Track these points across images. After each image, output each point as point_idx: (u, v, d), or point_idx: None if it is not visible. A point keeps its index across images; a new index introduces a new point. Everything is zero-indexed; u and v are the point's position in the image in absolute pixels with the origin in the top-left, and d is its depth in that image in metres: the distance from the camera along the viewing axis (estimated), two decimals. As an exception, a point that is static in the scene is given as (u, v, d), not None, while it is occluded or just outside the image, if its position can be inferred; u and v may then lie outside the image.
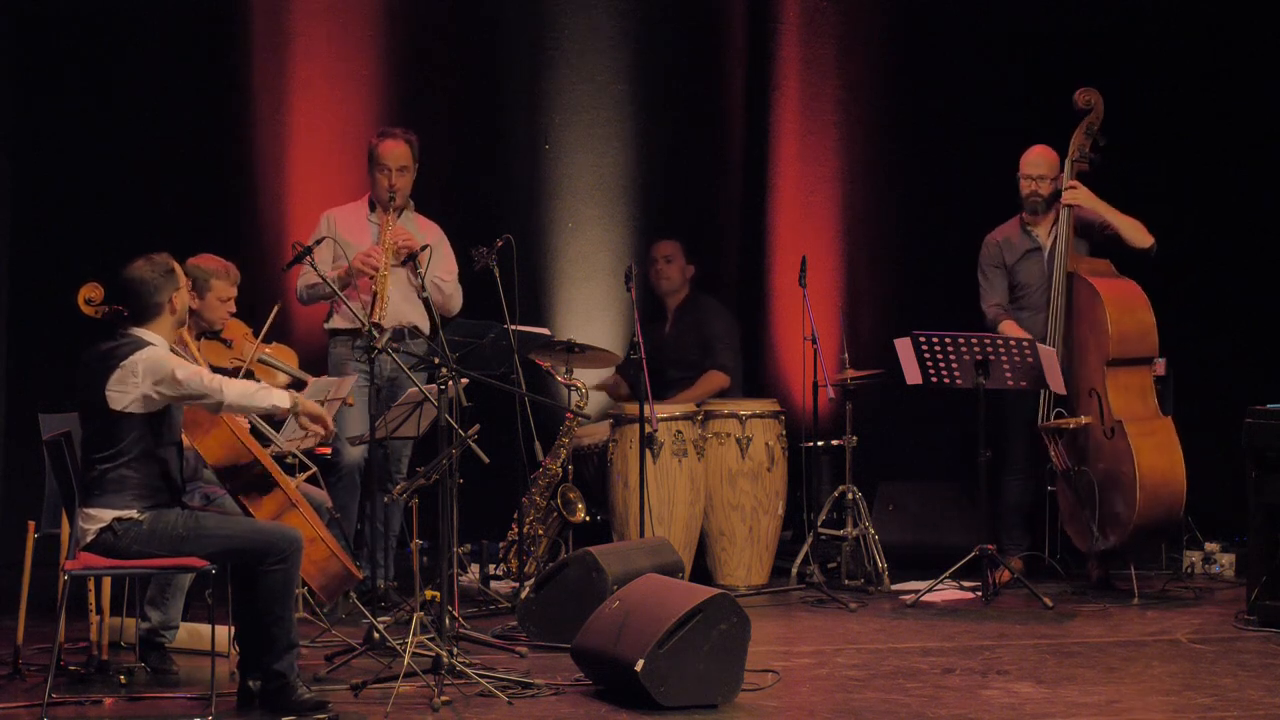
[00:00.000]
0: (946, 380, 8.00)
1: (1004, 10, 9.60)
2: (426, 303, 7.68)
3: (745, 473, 8.41)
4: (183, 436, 6.08)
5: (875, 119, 9.83)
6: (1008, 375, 7.92)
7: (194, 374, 5.85)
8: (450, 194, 9.36)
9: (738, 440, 8.41)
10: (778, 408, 8.61)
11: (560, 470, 8.24)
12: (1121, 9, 9.49)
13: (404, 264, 7.84)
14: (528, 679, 6.26)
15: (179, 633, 6.73)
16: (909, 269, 9.75)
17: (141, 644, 6.64)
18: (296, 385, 7.32)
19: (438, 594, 6.52)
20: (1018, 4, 9.58)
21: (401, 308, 7.87)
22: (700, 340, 8.94)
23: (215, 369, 7.07)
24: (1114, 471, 7.99)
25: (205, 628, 6.51)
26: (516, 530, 8.20)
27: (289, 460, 7.09)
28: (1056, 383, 7.89)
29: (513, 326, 7.75)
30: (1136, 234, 8.24)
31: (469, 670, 6.20)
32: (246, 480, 6.10)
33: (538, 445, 8.02)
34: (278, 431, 6.92)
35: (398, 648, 6.33)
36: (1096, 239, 8.33)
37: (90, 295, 6.52)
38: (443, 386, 6.45)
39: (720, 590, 6.21)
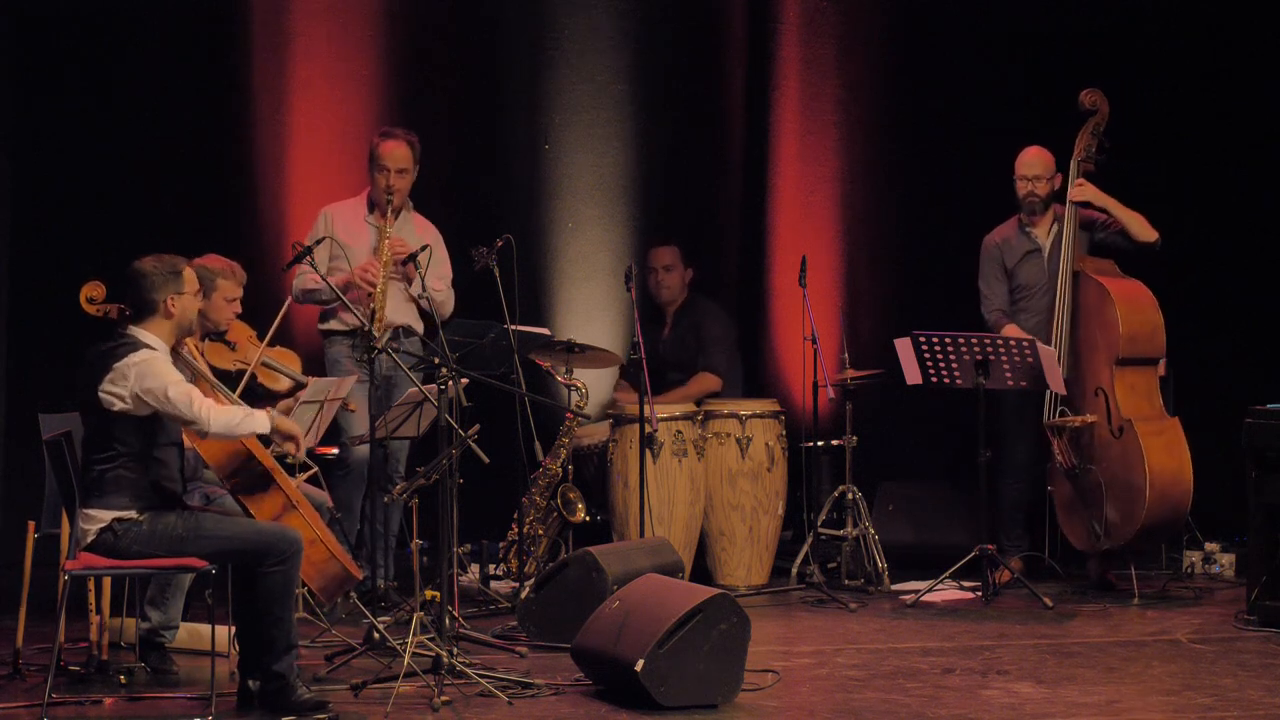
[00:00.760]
0: (946, 380, 8.00)
1: (1004, 10, 9.60)
2: (424, 304, 7.72)
3: (745, 473, 8.41)
4: (183, 437, 6.08)
5: (875, 119, 9.83)
6: (1008, 375, 7.92)
7: (184, 396, 5.82)
8: (450, 194, 9.36)
9: (738, 440, 8.41)
10: (778, 408, 8.60)
11: (560, 470, 8.24)
12: (1121, 9, 9.49)
13: (404, 264, 7.84)
14: (528, 679, 6.26)
15: (179, 633, 6.73)
16: (909, 269, 9.75)
17: (141, 644, 6.64)
18: (298, 387, 7.33)
19: (438, 594, 6.51)
20: (1018, 4, 9.58)
21: (397, 310, 7.88)
22: (698, 343, 8.94)
23: (218, 371, 7.08)
24: (1122, 471, 7.99)
25: (205, 628, 6.51)
26: (516, 530, 8.20)
27: (289, 460, 7.09)
28: (1056, 383, 7.89)
29: (513, 326, 7.75)
30: (1142, 229, 8.24)
31: (469, 670, 6.20)
32: (247, 480, 6.10)
33: (538, 445, 8.02)
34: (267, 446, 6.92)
35: (398, 648, 6.33)
36: (1096, 237, 8.33)
37: (92, 294, 6.52)
38: (443, 386, 6.45)
39: (720, 590, 6.21)
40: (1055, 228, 8.36)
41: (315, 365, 8.00)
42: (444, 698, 6.02)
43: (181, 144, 9.21)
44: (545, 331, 8.24)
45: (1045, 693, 6.20)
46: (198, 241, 7.21)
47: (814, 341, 8.38)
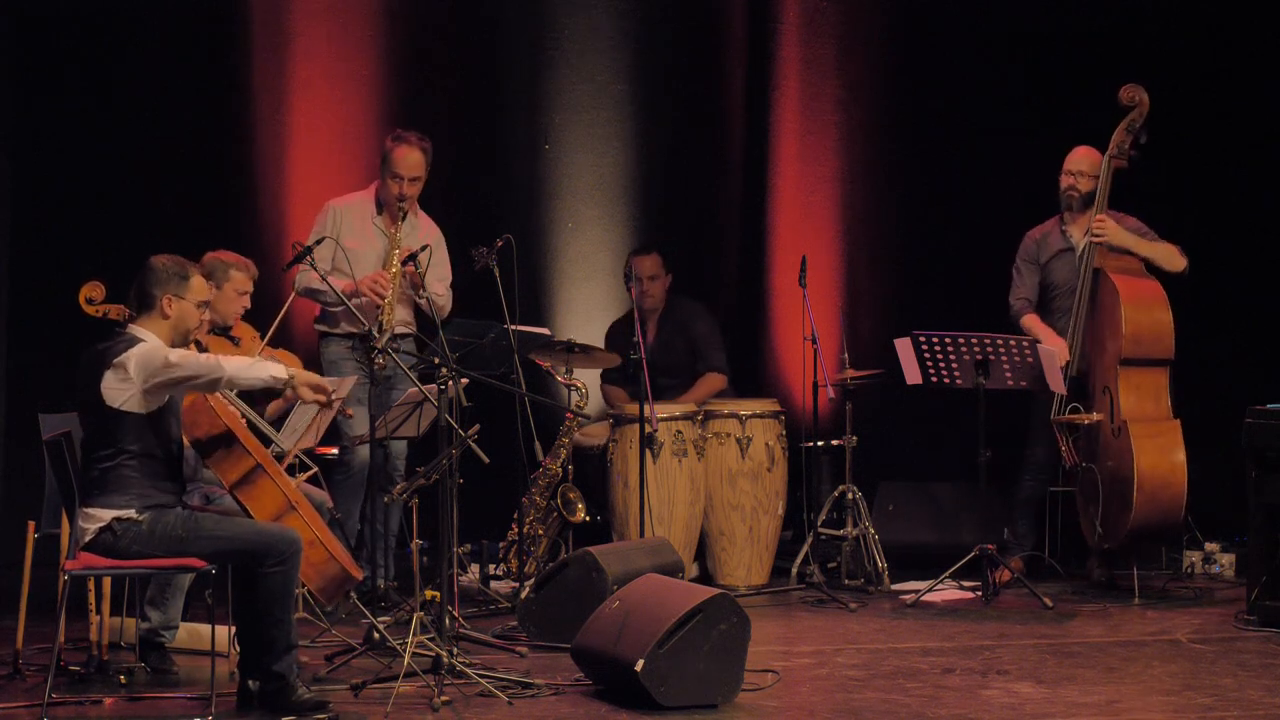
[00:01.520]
0: (946, 380, 8.01)
1: (1004, 10, 9.60)
2: (424, 303, 7.73)
3: (745, 473, 8.41)
4: (183, 437, 6.08)
5: (875, 119, 9.83)
6: (1008, 375, 7.92)
7: (187, 356, 5.84)
8: (450, 194, 9.35)
9: (738, 440, 8.41)
10: (778, 408, 8.61)
11: (560, 470, 8.24)
12: (1121, 9, 9.49)
13: (404, 264, 7.84)
14: (528, 679, 6.26)
15: (179, 633, 6.73)
16: (909, 269, 9.75)
17: (141, 644, 6.64)
18: None
19: (438, 594, 6.52)
20: (1018, 4, 9.58)
21: (395, 311, 7.90)
22: (687, 345, 8.94)
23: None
24: (1116, 471, 8.00)
25: (205, 628, 6.51)
26: (516, 530, 8.20)
27: (289, 461, 7.09)
28: (1056, 383, 7.89)
29: (513, 326, 7.75)
30: (1169, 261, 8.23)
31: (469, 670, 6.20)
32: (245, 481, 6.10)
33: (538, 445, 8.02)
34: (279, 431, 6.93)
35: (398, 648, 6.33)
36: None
37: (91, 294, 6.52)
38: (443, 386, 6.46)
39: (720, 590, 6.22)
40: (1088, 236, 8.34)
41: (312, 365, 7.99)
42: (444, 698, 6.02)
43: (181, 144, 9.21)
44: (545, 331, 8.24)
45: (1045, 693, 6.20)
46: (198, 242, 7.21)
47: (814, 341, 8.38)
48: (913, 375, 8.06)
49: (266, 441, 6.47)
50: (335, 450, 8.00)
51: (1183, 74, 9.48)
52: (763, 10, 9.83)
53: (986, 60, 9.65)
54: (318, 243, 7.17)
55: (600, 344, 8.68)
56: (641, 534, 7.99)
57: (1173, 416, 8.08)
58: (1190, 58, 9.51)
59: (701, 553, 8.52)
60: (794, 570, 8.42)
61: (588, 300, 9.75)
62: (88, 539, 5.88)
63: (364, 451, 7.84)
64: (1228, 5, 9.49)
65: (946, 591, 8.07)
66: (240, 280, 7.14)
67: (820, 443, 8.82)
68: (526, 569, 8.09)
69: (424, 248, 7.36)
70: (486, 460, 6.56)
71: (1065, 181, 8.37)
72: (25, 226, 9.09)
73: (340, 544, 6.55)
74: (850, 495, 8.37)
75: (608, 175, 9.80)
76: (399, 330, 7.88)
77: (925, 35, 9.72)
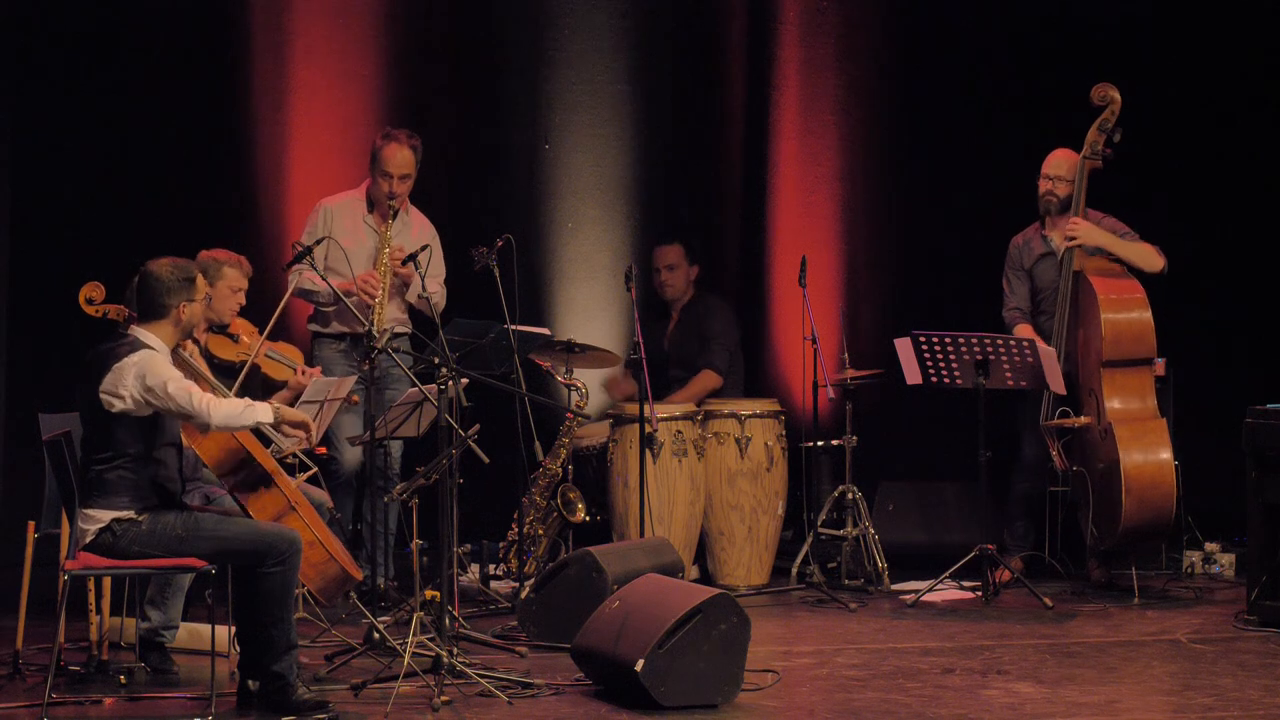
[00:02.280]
0: (946, 380, 8.00)
1: (1004, 10, 9.60)
2: (417, 302, 7.74)
3: (744, 473, 8.41)
4: (182, 437, 6.08)
5: (875, 119, 9.83)
6: (1008, 375, 7.92)
7: (184, 391, 5.82)
8: (450, 194, 9.36)
9: (737, 440, 8.41)
10: (778, 407, 8.61)
11: (560, 470, 8.24)
12: (1121, 10, 9.48)
13: (403, 264, 7.85)
14: (528, 679, 6.26)
15: (179, 633, 6.73)
16: (909, 269, 9.75)
17: (141, 644, 6.64)
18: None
19: (438, 594, 6.52)
20: (1018, 4, 9.58)
21: (388, 309, 7.91)
22: (699, 340, 8.95)
23: (222, 363, 7.09)
24: (1107, 473, 7.99)
25: (205, 628, 6.51)
26: (516, 530, 8.20)
27: (289, 460, 7.10)
28: (1056, 383, 7.89)
29: (513, 326, 7.75)
30: (1146, 261, 8.19)
31: (469, 670, 6.20)
32: (246, 481, 6.10)
33: (538, 445, 8.02)
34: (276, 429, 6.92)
35: (398, 648, 6.33)
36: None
37: (91, 294, 6.52)
38: (443, 386, 6.45)
39: (720, 590, 6.21)
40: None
41: (308, 362, 7.98)
42: (444, 698, 6.02)
43: (182, 144, 9.21)
44: (545, 331, 8.24)
45: (1045, 693, 6.20)
46: (198, 241, 7.22)
47: (814, 341, 8.38)
48: (913, 375, 8.06)
49: (266, 441, 6.46)
50: (327, 452, 7.98)
51: (1183, 73, 9.48)
52: (763, 10, 9.83)
53: (986, 60, 9.65)
54: (317, 242, 7.19)
55: (599, 344, 8.67)
56: (641, 534, 7.99)
57: (1159, 415, 8.06)
58: (1191, 57, 9.50)
59: (701, 553, 8.52)
60: (794, 570, 8.42)
61: (588, 300, 9.75)
62: (88, 539, 5.88)
63: (351, 456, 7.85)
64: (1227, 6, 9.48)
65: (946, 591, 8.07)
66: (234, 277, 7.15)
67: (820, 443, 8.82)
68: (526, 569, 8.09)
69: (424, 247, 7.35)
70: (486, 460, 6.56)
71: (1043, 186, 8.35)
72: (25, 226, 9.08)
73: (340, 544, 6.55)
74: (850, 495, 8.37)
75: (608, 175, 9.80)
76: (398, 330, 7.87)
77: (925, 35, 9.72)
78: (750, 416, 8.46)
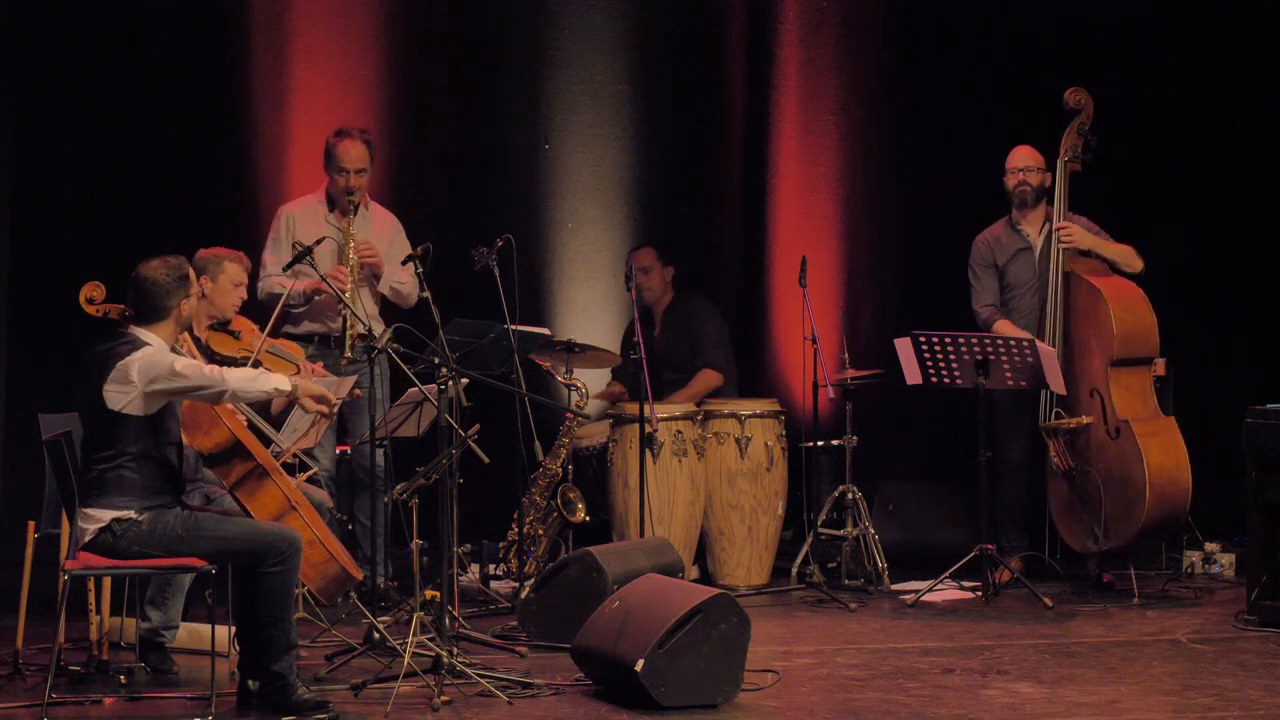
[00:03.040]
0: (946, 380, 8.00)
1: (1003, 11, 9.60)
2: (388, 292, 7.77)
3: (744, 473, 8.41)
4: (182, 437, 6.08)
5: (875, 119, 9.83)
6: (1008, 375, 7.92)
7: (191, 366, 5.85)
8: (450, 194, 9.35)
9: (737, 440, 8.41)
10: (777, 408, 8.61)
11: (560, 470, 8.24)
12: (1121, 10, 9.48)
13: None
14: (528, 679, 6.26)
15: (179, 633, 6.73)
16: (909, 269, 9.75)
17: (141, 644, 6.64)
18: None
19: (438, 594, 6.52)
20: (1017, 4, 9.58)
21: (362, 301, 7.93)
22: (690, 340, 8.94)
23: (223, 360, 7.08)
24: (1119, 472, 7.98)
25: (205, 628, 6.51)
26: (516, 530, 8.20)
27: (289, 460, 7.10)
28: (1057, 383, 7.89)
29: (513, 326, 7.75)
30: (1129, 262, 8.24)
31: (469, 670, 6.20)
32: (246, 481, 6.10)
33: (538, 445, 8.02)
34: (278, 431, 6.92)
35: (398, 648, 6.34)
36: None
37: (92, 294, 6.51)
38: (443, 386, 6.45)
39: (720, 590, 6.21)
40: (1046, 226, 8.35)
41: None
42: (444, 698, 6.02)
43: (181, 144, 9.22)
44: (545, 331, 8.24)
45: (1045, 693, 6.20)
46: (198, 241, 7.22)
47: (814, 341, 8.38)
48: (913, 375, 8.06)
49: (266, 441, 6.46)
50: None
51: (1183, 73, 9.47)
52: (763, 10, 9.83)
53: (986, 60, 9.65)
54: (317, 242, 7.18)
55: (599, 344, 8.67)
56: (641, 534, 7.99)
57: (1161, 413, 8.07)
58: (1189, 58, 9.50)
59: (701, 553, 8.52)
60: (794, 570, 8.42)
61: (588, 300, 9.75)
62: (87, 539, 5.88)
63: (325, 463, 7.88)
64: (1226, 7, 9.48)
65: (946, 591, 8.07)
66: (235, 272, 7.14)
67: (820, 443, 8.82)
68: (526, 569, 8.09)
69: (424, 247, 7.33)
70: (486, 460, 6.56)
71: (1014, 180, 8.38)
72: (25, 226, 9.08)
73: (340, 544, 6.55)
74: (850, 495, 8.37)
75: (608, 175, 9.80)
76: (374, 326, 7.86)
77: (925, 35, 9.72)
78: (750, 416, 8.46)
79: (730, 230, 9.98)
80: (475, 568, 8.39)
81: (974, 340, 7.90)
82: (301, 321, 8.11)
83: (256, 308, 7.48)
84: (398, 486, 6.99)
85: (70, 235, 9.04)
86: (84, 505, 5.91)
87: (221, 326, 7.22)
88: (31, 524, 6.76)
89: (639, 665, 5.88)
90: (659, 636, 5.92)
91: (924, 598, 7.96)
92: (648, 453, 8.04)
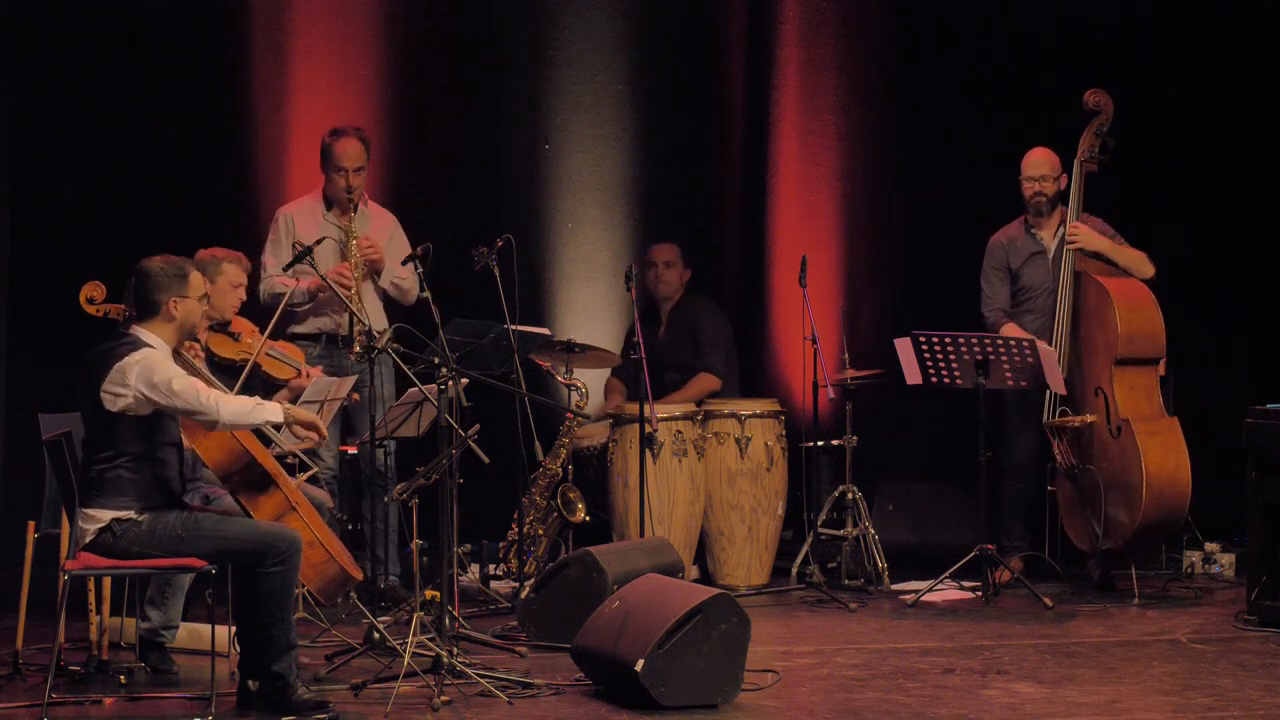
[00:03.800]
0: (946, 380, 8.00)
1: (1004, 10, 9.60)
2: (391, 289, 7.77)
3: (744, 473, 8.41)
4: (182, 437, 6.07)
5: (875, 119, 9.83)
6: (1008, 375, 7.92)
7: (190, 388, 5.82)
8: (450, 194, 9.35)
9: (737, 440, 8.41)
10: (777, 408, 8.61)
11: (560, 470, 8.24)
12: (1121, 10, 9.48)
13: (404, 264, 7.86)
14: (528, 679, 6.26)
15: (179, 633, 6.73)
16: (909, 269, 9.75)
17: (141, 644, 6.64)
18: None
19: (438, 594, 6.52)
20: (1017, 4, 9.58)
21: (375, 313, 7.92)
22: (693, 342, 8.94)
23: (223, 361, 7.09)
24: (1120, 471, 7.99)
25: (205, 628, 6.51)
26: (516, 530, 8.20)
27: (289, 460, 7.10)
28: (1056, 383, 7.89)
29: (513, 326, 7.75)
30: (1140, 268, 8.23)
31: (469, 670, 6.20)
32: (246, 481, 6.10)
33: (538, 445, 8.02)
34: (279, 430, 6.92)
35: (398, 648, 6.34)
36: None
37: (92, 294, 6.52)
38: (443, 386, 6.45)
39: (720, 590, 6.21)
40: (1061, 229, 8.35)
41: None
42: (444, 698, 6.02)
43: (181, 144, 9.21)
44: (545, 331, 8.24)
45: (1045, 693, 6.20)
46: (198, 241, 7.22)
47: (814, 341, 8.38)
48: (913, 375, 8.06)
49: (266, 441, 6.46)
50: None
51: (1183, 74, 9.47)
52: (763, 10, 9.83)
53: (986, 60, 9.65)
54: (318, 242, 7.19)
55: (599, 344, 8.67)
56: (641, 534, 7.99)
57: (1165, 414, 8.07)
58: (1191, 59, 9.50)
59: (701, 553, 8.52)
60: (794, 570, 8.42)
61: (588, 300, 9.75)
62: (87, 539, 5.88)
63: (328, 462, 7.88)
64: (1227, 8, 9.48)
65: (946, 591, 8.07)
66: (234, 273, 7.14)
67: (820, 443, 8.82)
68: (526, 569, 8.09)
69: (424, 247, 7.33)
70: (486, 460, 6.55)
71: (1030, 189, 8.37)
72: (25, 226, 9.08)
73: (340, 544, 6.55)
74: (850, 495, 8.37)
75: (608, 175, 9.80)
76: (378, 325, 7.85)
77: (925, 35, 9.72)
78: (750, 416, 8.46)
79: (730, 230, 9.97)
80: (475, 568, 8.40)
81: (974, 340, 7.90)
82: (307, 319, 8.10)
83: (258, 309, 7.47)
84: (397, 486, 6.99)
85: (70, 235, 9.04)
86: (84, 505, 5.91)
87: (221, 328, 7.22)
88: (31, 524, 6.76)
89: (639, 665, 5.88)
90: (659, 636, 5.92)
91: (924, 598, 7.96)
92: (648, 453, 8.04)
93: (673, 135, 9.84)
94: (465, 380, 6.67)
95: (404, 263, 7.82)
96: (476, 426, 6.55)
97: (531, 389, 7.96)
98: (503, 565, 8.35)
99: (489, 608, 7.79)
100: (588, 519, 8.21)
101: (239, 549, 5.90)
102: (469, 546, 8.29)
